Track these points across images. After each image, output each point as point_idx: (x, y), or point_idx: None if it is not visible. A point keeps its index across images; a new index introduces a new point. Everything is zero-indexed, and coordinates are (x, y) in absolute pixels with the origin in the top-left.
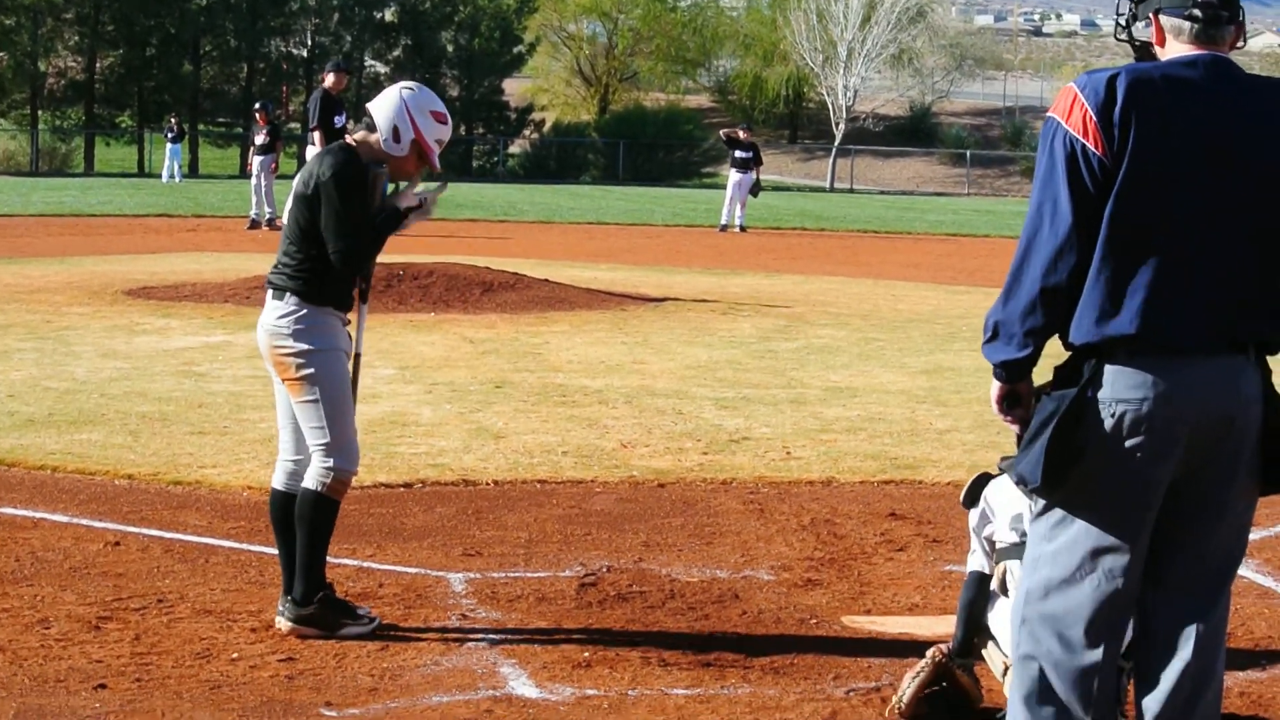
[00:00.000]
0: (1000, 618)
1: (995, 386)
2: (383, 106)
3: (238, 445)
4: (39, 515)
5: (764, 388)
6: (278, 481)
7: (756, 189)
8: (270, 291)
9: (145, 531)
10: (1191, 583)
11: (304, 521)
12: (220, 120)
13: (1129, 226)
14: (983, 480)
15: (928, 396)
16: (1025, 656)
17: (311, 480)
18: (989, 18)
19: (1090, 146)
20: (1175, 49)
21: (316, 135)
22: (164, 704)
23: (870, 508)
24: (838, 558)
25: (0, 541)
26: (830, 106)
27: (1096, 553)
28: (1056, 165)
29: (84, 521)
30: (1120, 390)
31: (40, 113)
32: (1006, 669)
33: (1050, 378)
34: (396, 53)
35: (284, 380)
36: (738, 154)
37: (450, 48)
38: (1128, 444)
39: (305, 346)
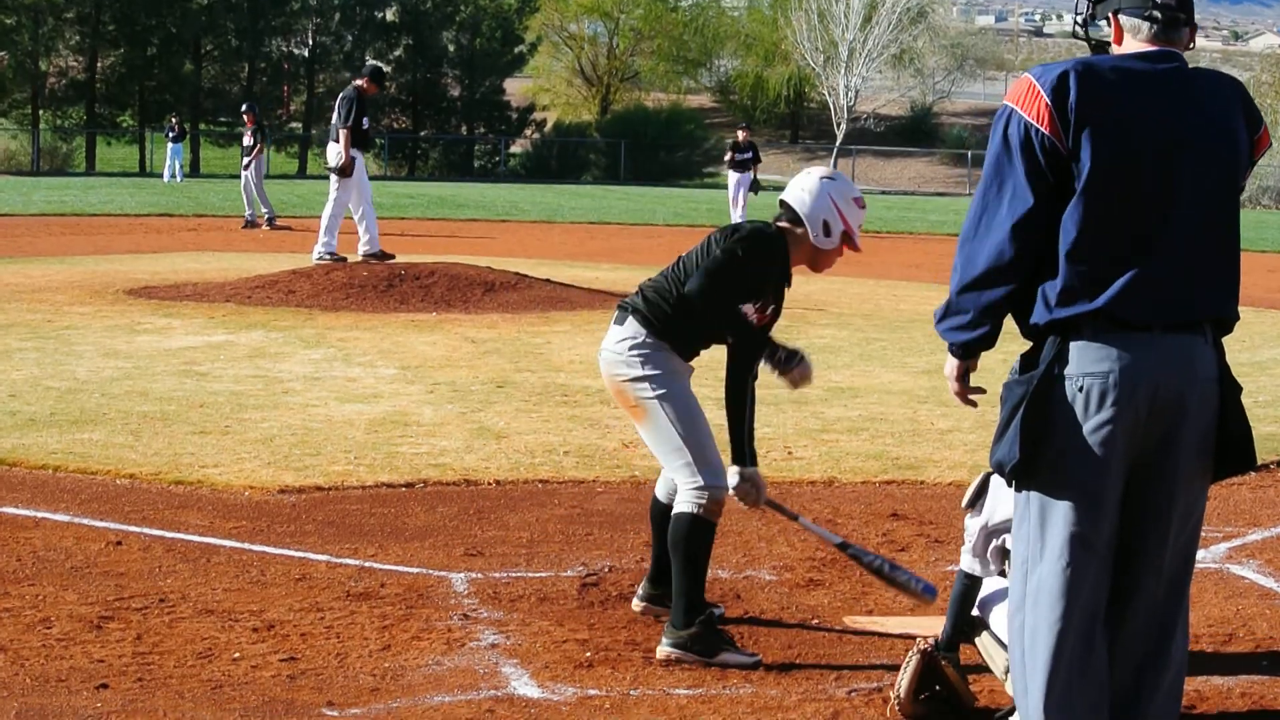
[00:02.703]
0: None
1: (952, 364)
2: (806, 200)
3: (239, 445)
4: (40, 515)
5: (765, 387)
6: (660, 491)
7: (756, 186)
8: (615, 314)
9: (147, 531)
10: (1153, 569)
11: (679, 547)
12: (221, 120)
13: (1092, 210)
14: (986, 481)
15: (929, 396)
16: (1027, 640)
17: (685, 504)
18: (990, 18)
19: (1046, 132)
20: (1132, 47)
21: (343, 134)
22: (166, 704)
23: (872, 508)
24: (839, 558)
25: (2, 541)
26: (831, 106)
27: (1074, 532)
28: (1013, 149)
29: (85, 521)
30: (1086, 365)
31: (41, 112)
32: (1009, 665)
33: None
34: (398, 52)
35: (626, 409)
36: (737, 155)
37: (451, 47)
38: (1097, 416)
39: (642, 372)
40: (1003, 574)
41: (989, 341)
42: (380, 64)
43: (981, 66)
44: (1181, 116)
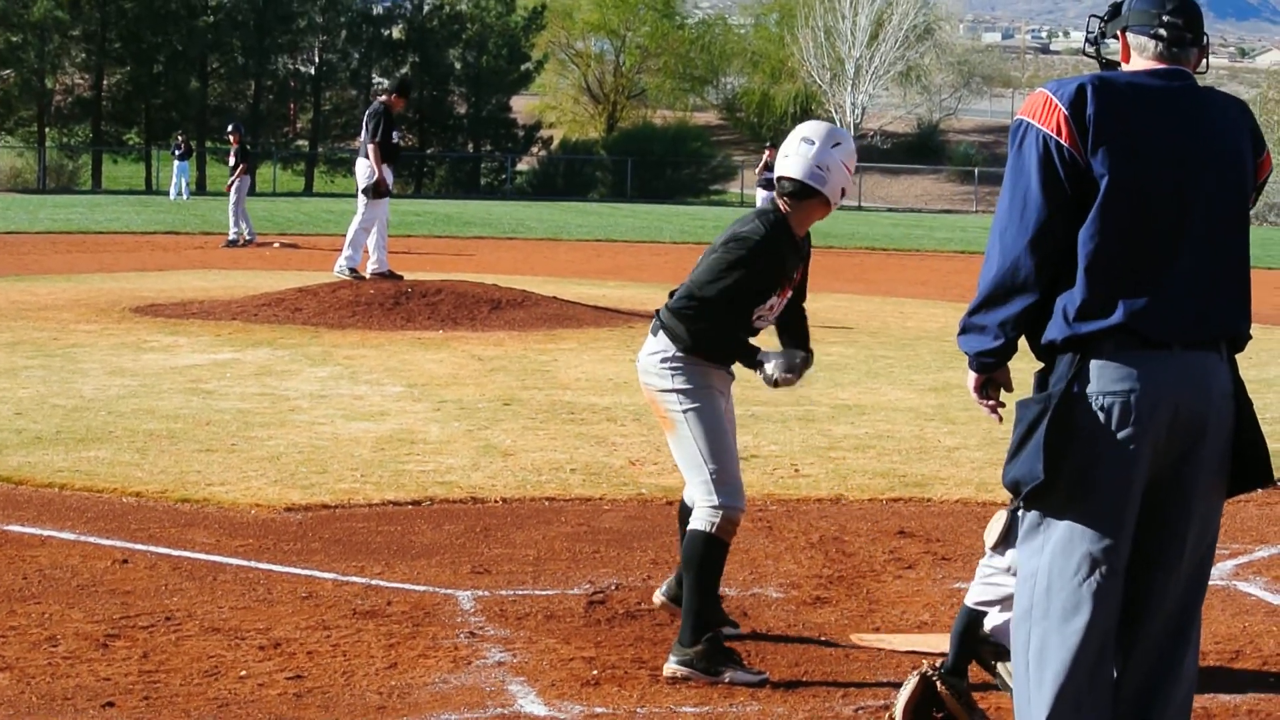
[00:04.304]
0: None
1: (971, 376)
2: (825, 175)
3: (245, 463)
4: (47, 533)
5: (772, 405)
6: (688, 497)
7: None
8: (652, 323)
9: (153, 549)
10: (1168, 584)
11: (691, 564)
12: (227, 137)
13: (1111, 223)
14: (1015, 519)
15: (936, 414)
16: (1033, 653)
17: (700, 521)
18: (996, 35)
19: (1065, 144)
20: (1139, 65)
21: (371, 149)
22: None
23: (879, 525)
24: (846, 575)
25: (8, 559)
26: (838, 124)
27: (1093, 550)
28: (1028, 162)
29: (92, 539)
30: (1107, 383)
31: (47, 130)
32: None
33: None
34: (404, 70)
35: (658, 419)
36: (765, 173)
37: (458, 65)
38: (1119, 435)
39: (674, 385)
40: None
41: (1006, 355)
42: (406, 74)
43: (988, 84)
44: (1194, 134)
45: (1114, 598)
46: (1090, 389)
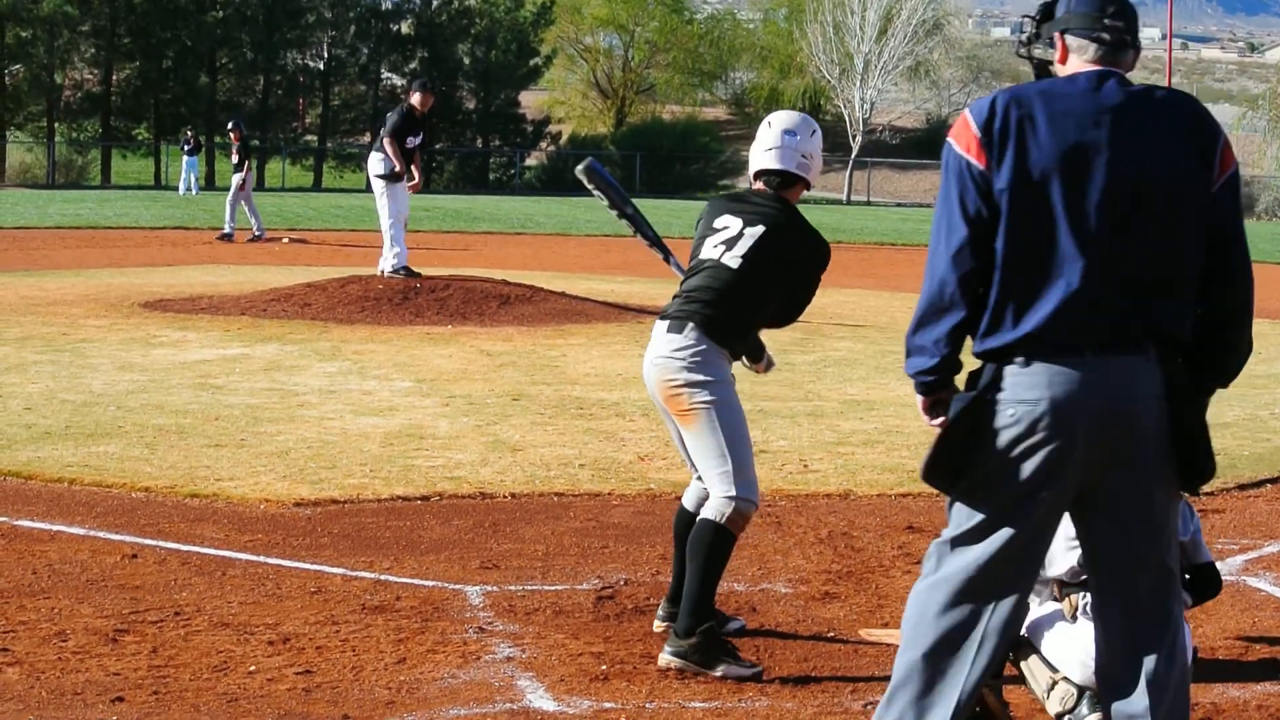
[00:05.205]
0: (1058, 639)
1: (919, 398)
2: (810, 165)
3: (255, 458)
4: (56, 528)
5: (781, 400)
6: (688, 500)
7: None
8: (666, 324)
9: (162, 544)
10: (1132, 591)
11: (698, 553)
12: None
13: (1013, 234)
14: None
15: None
16: (914, 616)
17: (712, 511)
18: (1005, 30)
19: (976, 162)
20: (1075, 67)
21: (388, 144)
22: (181, 717)
23: (888, 521)
24: (855, 571)
25: (17, 554)
26: (847, 119)
27: (992, 549)
28: (949, 184)
29: (101, 534)
30: (1018, 392)
31: (57, 125)
32: (1054, 685)
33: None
34: (413, 65)
35: (676, 414)
36: None
37: (467, 60)
38: (1026, 443)
39: (699, 378)
40: (1054, 599)
41: (944, 372)
42: (426, 79)
43: (997, 78)
44: (1110, 137)
45: (995, 600)
46: (1003, 396)
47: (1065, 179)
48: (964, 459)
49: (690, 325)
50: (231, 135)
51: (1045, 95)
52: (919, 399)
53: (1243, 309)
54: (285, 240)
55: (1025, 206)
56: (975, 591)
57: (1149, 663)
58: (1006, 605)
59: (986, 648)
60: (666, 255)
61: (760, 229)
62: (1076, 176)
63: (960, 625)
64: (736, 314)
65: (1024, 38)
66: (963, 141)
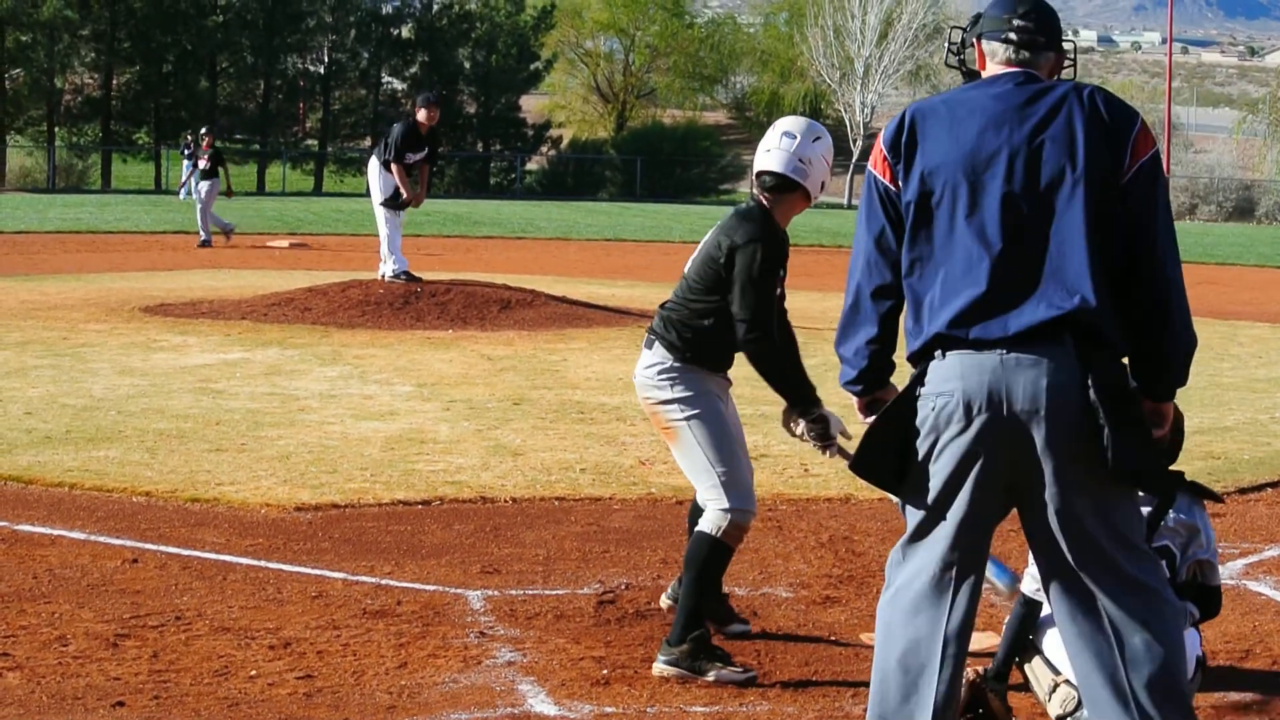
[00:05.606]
0: (1059, 641)
1: (856, 401)
2: (806, 170)
3: (255, 462)
4: (57, 532)
5: (781, 404)
6: (701, 500)
7: None
8: (645, 340)
9: (163, 549)
10: (1089, 601)
11: (693, 564)
12: (237, 137)
13: (916, 240)
14: None
15: None
16: (880, 622)
17: (708, 525)
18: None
19: (882, 178)
20: (991, 70)
21: (395, 169)
22: None
23: (889, 525)
24: (856, 575)
25: (18, 559)
26: (848, 123)
27: (932, 542)
28: (863, 202)
29: (101, 539)
30: (936, 384)
31: (57, 129)
32: (1055, 687)
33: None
34: (413, 69)
35: (659, 431)
36: None
37: (467, 64)
38: (946, 434)
39: (671, 395)
40: None
41: (868, 380)
42: (433, 92)
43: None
44: (1009, 134)
45: (943, 593)
46: (924, 390)
47: (968, 182)
48: (900, 457)
49: (657, 343)
50: (204, 142)
51: (949, 103)
52: (854, 400)
53: (1162, 298)
54: (286, 245)
55: (928, 214)
56: (932, 592)
57: (1133, 681)
58: (963, 601)
59: (952, 648)
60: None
61: (713, 230)
62: (978, 179)
63: (925, 627)
64: (696, 324)
65: (954, 46)
66: (874, 161)
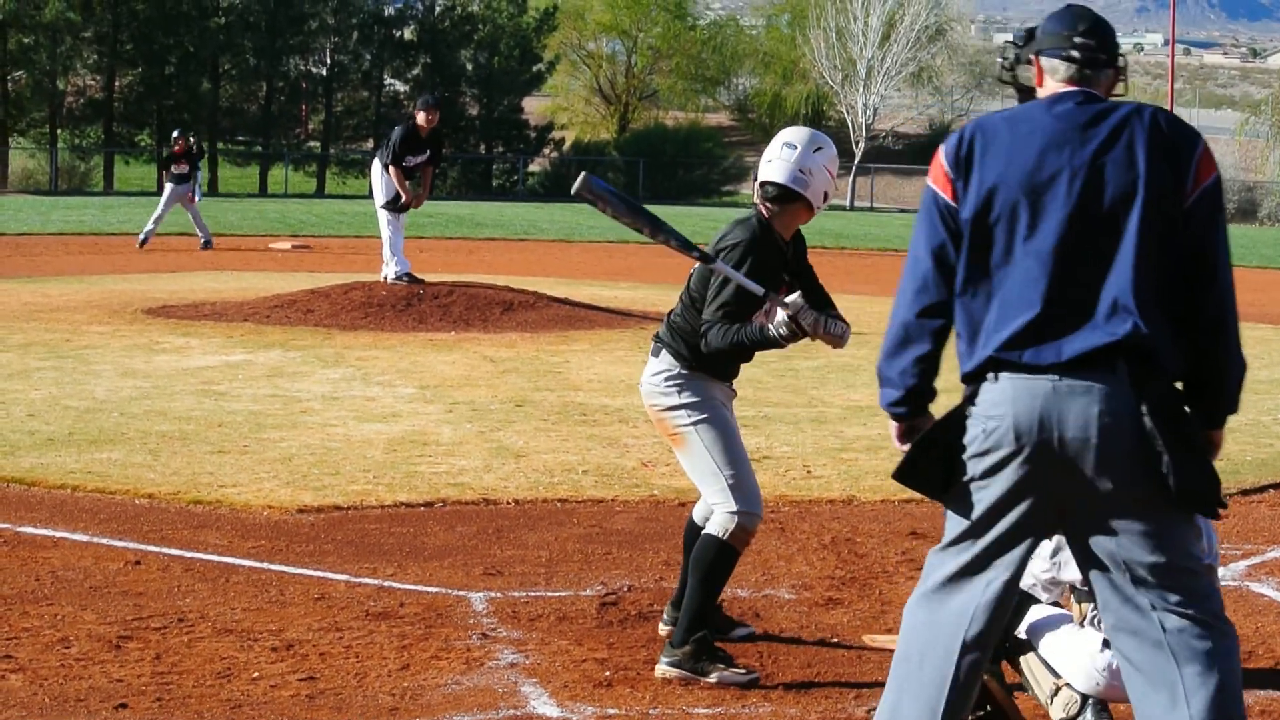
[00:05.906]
0: (1063, 644)
1: (892, 426)
2: (807, 180)
3: (258, 464)
4: (59, 534)
5: (784, 406)
6: (697, 514)
7: None
8: (652, 347)
9: (165, 551)
10: (1130, 600)
11: (700, 567)
12: (240, 139)
13: (974, 261)
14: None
15: None
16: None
17: (716, 527)
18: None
19: (941, 194)
20: (1051, 88)
21: (393, 172)
22: None
23: (891, 526)
24: (859, 576)
25: (21, 561)
26: (850, 124)
27: (964, 557)
28: (920, 218)
29: (104, 541)
30: (987, 407)
31: (59, 131)
32: (1057, 690)
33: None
34: (416, 71)
35: (665, 437)
36: None
37: (470, 66)
38: (994, 457)
39: (677, 401)
40: (1056, 604)
41: (914, 402)
42: (432, 95)
43: (1000, 85)
44: (1072, 156)
45: (976, 608)
46: (975, 411)
47: (1027, 202)
48: (947, 469)
49: (664, 350)
50: (177, 145)
51: (1010, 121)
52: (893, 427)
53: (1220, 325)
54: (289, 247)
55: (986, 233)
56: (958, 601)
57: (1192, 706)
58: (989, 610)
59: (971, 655)
60: (690, 248)
61: (712, 240)
62: (1037, 199)
63: (948, 631)
64: (696, 331)
65: (1006, 63)
66: (934, 176)
